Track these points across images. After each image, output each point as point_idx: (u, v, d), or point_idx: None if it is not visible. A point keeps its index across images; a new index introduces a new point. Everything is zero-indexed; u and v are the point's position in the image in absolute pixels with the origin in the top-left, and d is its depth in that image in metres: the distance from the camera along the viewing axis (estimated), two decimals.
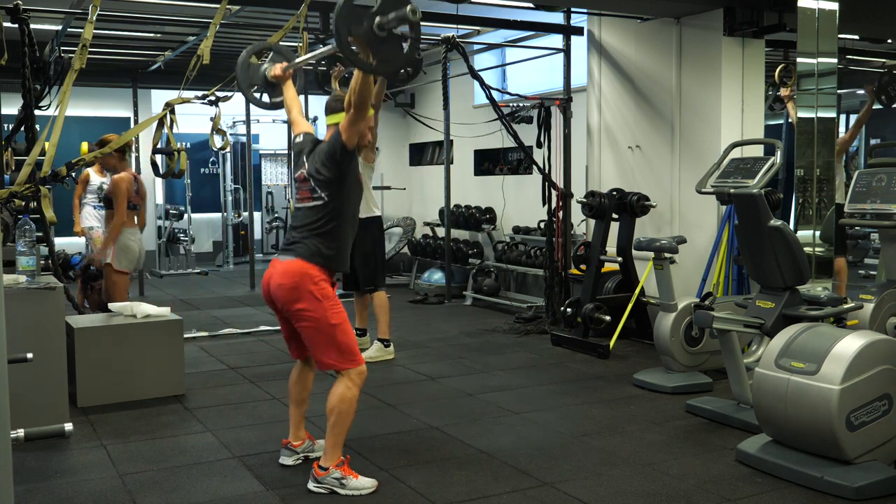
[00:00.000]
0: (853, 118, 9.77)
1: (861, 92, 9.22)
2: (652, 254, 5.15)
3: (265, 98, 4.03)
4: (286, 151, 11.28)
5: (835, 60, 4.73)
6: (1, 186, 5.73)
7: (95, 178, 8.01)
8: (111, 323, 4.94)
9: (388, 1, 2.88)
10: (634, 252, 6.07)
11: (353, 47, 2.93)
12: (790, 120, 7.57)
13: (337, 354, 3.38)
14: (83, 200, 8.09)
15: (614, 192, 6.46)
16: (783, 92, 7.12)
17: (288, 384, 3.81)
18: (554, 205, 7.22)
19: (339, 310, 3.41)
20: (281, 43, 4.36)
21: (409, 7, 2.84)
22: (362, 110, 3.27)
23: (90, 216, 8.11)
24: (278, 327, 3.74)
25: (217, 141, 6.48)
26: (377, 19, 2.86)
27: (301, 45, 5.20)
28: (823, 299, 4.33)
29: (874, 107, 7.42)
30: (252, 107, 9.95)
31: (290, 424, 3.78)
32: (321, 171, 3.40)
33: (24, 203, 4.98)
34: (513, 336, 6.79)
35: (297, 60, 3.90)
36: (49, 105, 5.53)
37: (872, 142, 9.32)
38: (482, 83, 6.86)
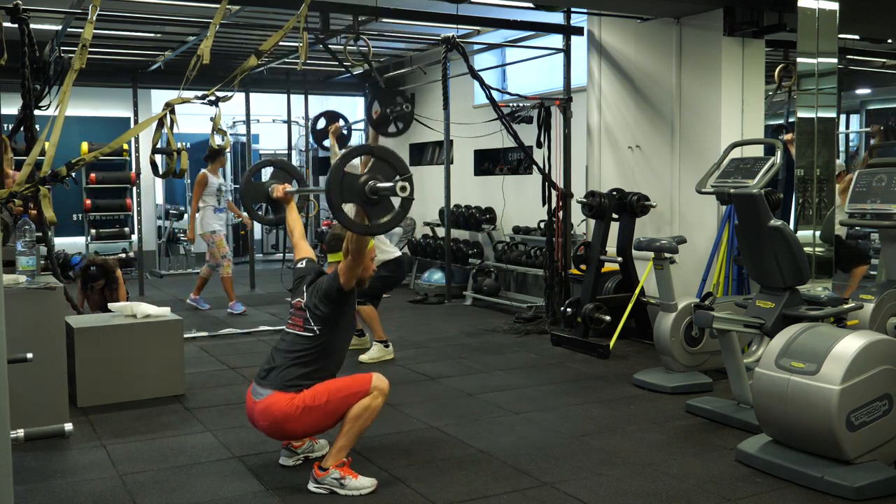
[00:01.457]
0: (854, 119, 9.79)
1: (860, 91, 9.22)
2: (652, 254, 5.15)
3: (268, 214, 4.20)
4: (286, 151, 11.28)
5: (835, 60, 4.73)
6: (1, 186, 5.72)
7: (213, 179, 8.00)
8: (111, 323, 4.93)
9: (377, 167, 3.06)
10: (634, 252, 6.07)
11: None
12: (790, 119, 7.57)
13: (352, 396, 3.38)
14: (202, 204, 7.96)
15: (614, 192, 6.45)
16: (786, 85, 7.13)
17: None
18: (554, 205, 7.22)
19: (316, 392, 3.38)
20: (280, 45, 4.39)
21: (398, 184, 2.98)
22: (359, 258, 3.35)
23: (212, 220, 7.99)
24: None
25: (217, 141, 6.45)
26: (368, 185, 3.02)
27: (301, 45, 5.20)
28: (823, 299, 4.34)
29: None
30: (252, 107, 10.01)
31: None
32: (319, 307, 3.46)
33: (23, 205, 4.98)
34: (513, 336, 6.79)
35: (298, 189, 4.04)
36: (49, 105, 5.53)
37: (872, 142, 9.33)
38: (482, 83, 6.86)
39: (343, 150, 3.49)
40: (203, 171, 8.08)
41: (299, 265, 3.74)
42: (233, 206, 9.09)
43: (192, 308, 8.19)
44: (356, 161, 4.09)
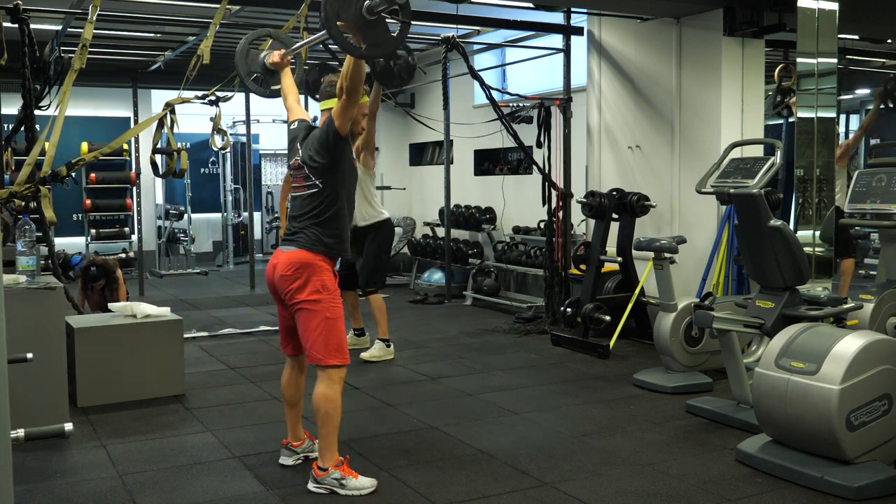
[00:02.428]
0: (853, 119, 9.78)
1: (860, 91, 9.22)
2: (652, 254, 5.15)
3: (264, 85, 4.06)
4: (286, 152, 11.28)
5: (835, 60, 4.73)
6: (1, 186, 5.73)
7: None
8: (111, 323, 4.93)
9: None
10: (634, 252, 6.07)
11: (346, 34, 2.94)
12: (791, 119, 7.57)
13: (324, 348, 3.38)
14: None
15: (614, 192, 6.46)
16: (787, 87, 7.12)
17: (280, 386, 3.82)
18: (554, 205, 7.22)
19: (337, 304, 3.44)
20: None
21: None
22: (354, 96, 3.27)
23: None
24: (278, 327, 3.75)
25: (217, 141, 6.48)
26: (366, 2, 2.88)
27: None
28: (823, 299, 4.33)
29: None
30: (252, 107, 10.00)
31: (287, 425, 3.78)
32: (315, 159, 3.42)
33: (23, 204, 4.98)
34: (513, 336, 6.79)
35: (295, 46, 3.92)
36: (49, 105, 5.53)
37: (872, 142, 9.33)
38: (482, 83, 6.86)
39: None
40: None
41: (292, 126, 3.68)
42: None
43: (188, 307, 8.18)
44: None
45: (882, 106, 7.36)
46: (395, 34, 3.01)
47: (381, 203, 6.13)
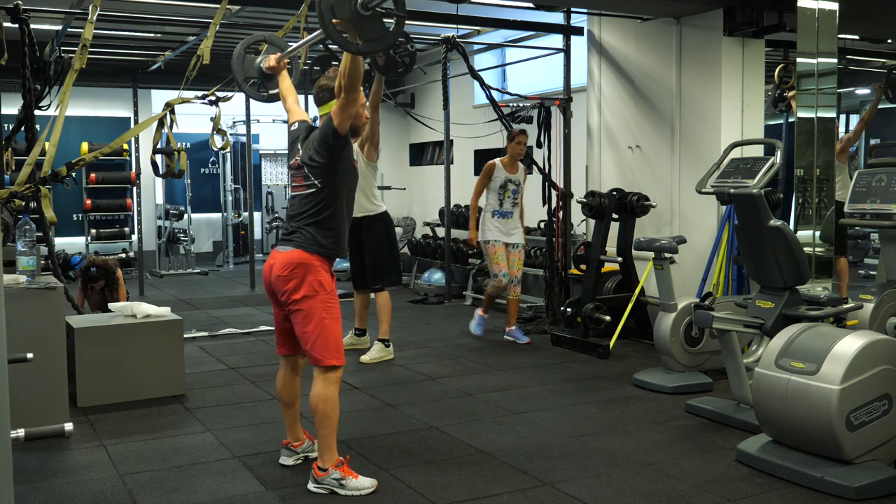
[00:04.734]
0: (853, 119, 9.77)
1: (860, 91, 9.22)
2: (652, 254, 5.15)
3: (262, 90, 4.06)
4: (286, 152, 11.28)
5: (835, 60, 4.73)
6: (1, 186, 5.73)
7: (503, 172, 6.47)
8: (111, 323, 4.93)
9: None
10: (634, 252, 6.07)
11: (342, 32, 2.93)
12: (791, 119, 7.57)
13: (322, 347, 3.38)
14: (482, 203, 6.66)
15: (614, 192, 6.45)
16: (789, 94, 7.12)
17: (276, 387, 3.82)
18: (554, 205, 7.22)
19: (334, 304, 3.43)
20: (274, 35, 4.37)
21: None
22: (352, 93, 3.25)
23: (490, 225, 6.49)
24: (274, 327, 3.75)
25: (217, 141, 6.48)
26: (360, 0, 2.87)
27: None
28: (823, 299, 4.33)
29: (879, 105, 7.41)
30: (252, 107, 10.00)
31: (286, 425, 3.78)
32: (314, 159, 3.41)
33: (23, 204, 4.98)
34: None
35: (290, 49, 3.91)
36: (49, 105, 5.54)
37: (872, 142, 9.33)
38: (482, 83, 6.86)
39: None
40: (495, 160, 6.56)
41: (292, 127, 3.67)
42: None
43: (188, 307, 8.17)
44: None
45: (883, 96, 7.34)
46: (391, 29, 3.00)
47: (382, 202, 6.09)
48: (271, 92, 4.04)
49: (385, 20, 2.98)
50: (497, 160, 6.55)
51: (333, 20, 2.88)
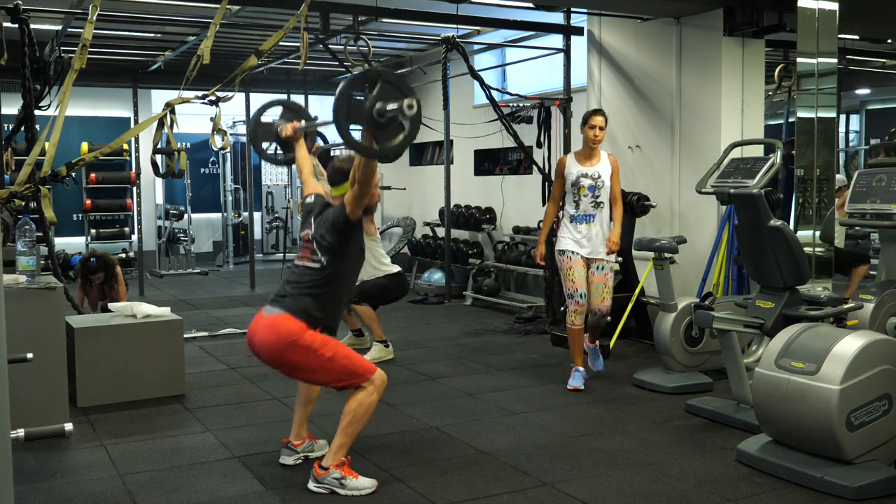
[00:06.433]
0: (853, 119, 9.78)
1: (860, 91, 9.21)
2: (652, 254, 5.15)
3: (279, 155, 4.12)
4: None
5: (835, 60, 4.73)
6: (1, 186, 5.73)
7: (575, 167, 5.18)
8: (111, 323, 4.93)
9: (385, 91, 2.98)
10: (634, 252, 6.06)
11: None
12: (791, 119, 7.56)
13: (348, 376, 3.37)
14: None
15: None
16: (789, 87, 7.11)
17: (297, 384, 3.80)
18: None
19: (326, 342, 3.37)
20: (282, 42, 4.38)
21: (406, 102, 2.94)
22: (366, 188, 3.30)
23: (564, 233, 5.32)
24: None
25: (217, 141, 6.49)
26: (376, 107, 2.96)
27: (301, 45, 5.20)
28: (823, 299, 4.34)
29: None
30: (252, 107, 9.99)
31: (294, 423, 3.78)
32: (326, 238, 3.44)
33: (23, 204, 4.98)
34: (513, 336, 6.79)
35: (307, 125, 3.98)
36: (49, 105, 5.54)
37: (872, 142, 9.33)
38: (482, 83, 6.86)
39: (348, 76, 3.34)
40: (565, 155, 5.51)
41: (307, 199, 3.71)
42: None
43: (188, 307, 8.16)
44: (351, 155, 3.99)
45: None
46: (406, 132, 3.04)
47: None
48: (287, 156, 4.09)
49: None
50: (570, 154, 5.34)
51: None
